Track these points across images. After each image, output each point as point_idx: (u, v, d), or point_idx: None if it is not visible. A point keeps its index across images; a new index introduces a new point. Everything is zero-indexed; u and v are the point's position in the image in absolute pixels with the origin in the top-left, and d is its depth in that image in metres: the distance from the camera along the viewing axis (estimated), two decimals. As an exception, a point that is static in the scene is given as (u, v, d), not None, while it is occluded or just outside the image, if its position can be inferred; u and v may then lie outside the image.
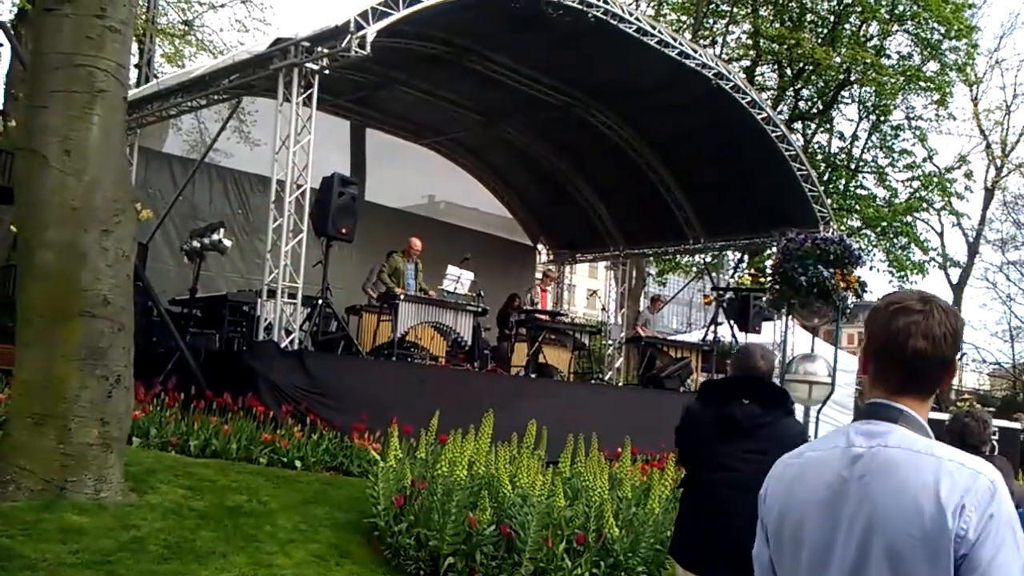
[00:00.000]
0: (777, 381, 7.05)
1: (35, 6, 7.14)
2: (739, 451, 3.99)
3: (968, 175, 26.82)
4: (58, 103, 5.87)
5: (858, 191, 25.24)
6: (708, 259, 22.11)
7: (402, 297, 11.05)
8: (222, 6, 21.71)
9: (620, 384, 16.49)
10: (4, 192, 8.95)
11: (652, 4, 25.13)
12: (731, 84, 13.17)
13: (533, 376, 12.46)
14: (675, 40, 12.61)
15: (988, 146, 30.33)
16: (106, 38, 5.93)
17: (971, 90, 29.43)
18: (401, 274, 12.29)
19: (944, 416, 6.16)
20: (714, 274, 22.65)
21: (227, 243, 11.09)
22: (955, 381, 33.07)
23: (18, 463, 5.59)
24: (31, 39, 7.98)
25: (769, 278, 11.91)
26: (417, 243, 12.52)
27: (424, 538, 5.96)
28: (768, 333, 14.58)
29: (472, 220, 18.74)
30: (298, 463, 7.85)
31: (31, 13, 11.41)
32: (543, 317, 13.48)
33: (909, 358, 1.73)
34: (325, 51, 9.91)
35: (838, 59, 23.33)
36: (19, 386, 5.88)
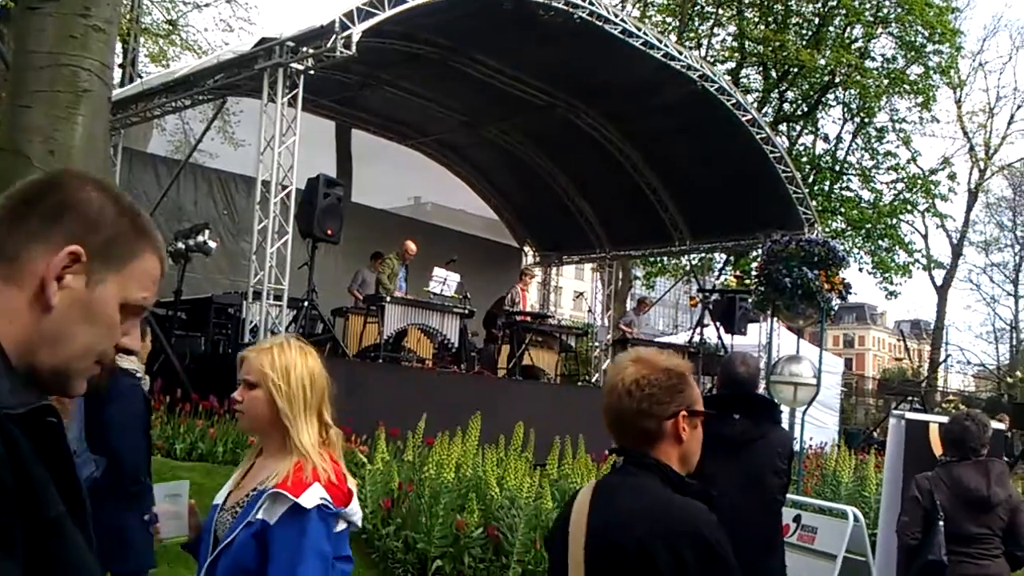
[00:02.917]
0: (762, 384, 7.06)
1: (17, 4, 7.08)
2: (730, 467, 3.96)
3: (952, 177, 27.04)
4: (42, 103, 5.80)
5: (843, 193, 25.37)
6: (694, 261, 22.17)
7: (388, 299, 11.02)
8: (207, 5, 21.63)
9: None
10: (-14, 193, 8.90)
11: (638, 6, 25.17)
12: (716, 86, 13.22)
13: (520, 378, 12.44)
14: (660, 42, 12.65)
15: (972, 148, 30.60)
16: (90, 37, 5.87)
17: (955, 93, 29.70)
18: (396, 276, 12.28)
19: (929, 418, 6.18)
20: (700, 276, 22.73)
21: (212, 244, 11.02)
22: (939, 382, 33.34)
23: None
24: (13, 38, 7.91)
25: (754, 280, 11.96)
26: (412, 247, 12.51)
27: (412, 541, 5.93)
28: (754, 335, 14.63)
29: (458, 221, 18.74)
30: (284, 466, 7.80)
31: (13, 12, 11.32)
32: (530, 319, 13.47)
33: None
34: (310, 51, 9.88)
35: (823, 61, 23.45)
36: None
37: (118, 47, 12.94)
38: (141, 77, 16.32)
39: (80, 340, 1.13)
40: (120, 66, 16.48)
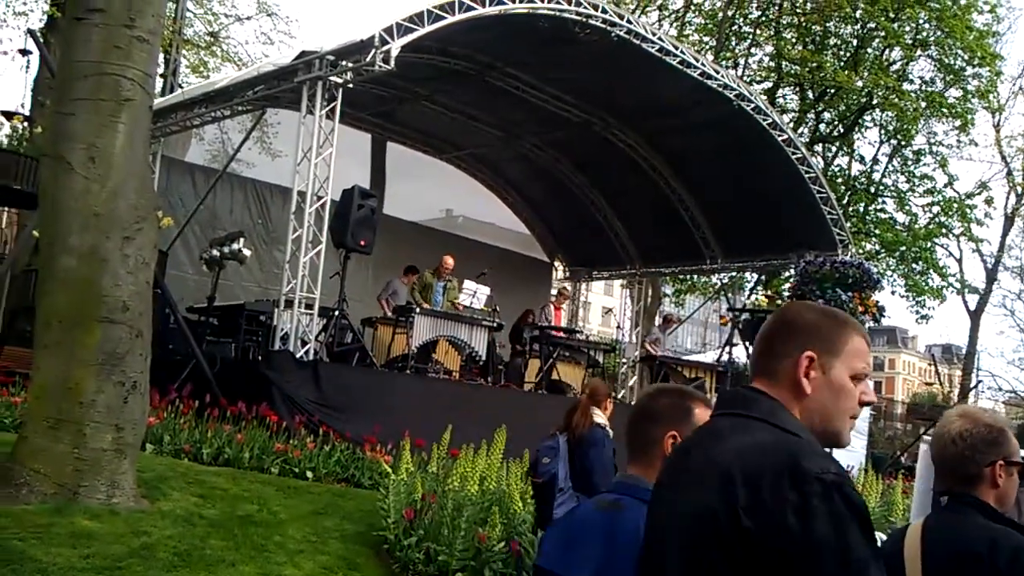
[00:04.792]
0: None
1: (65, 15, 7.24)
2: None
3: (988, 202, 26.72)
4: (85, 111, 5.93)
5: (877, 215, 25.15)
6: (725, 279, 22.06)
7: (418, 310, 11.10)
8: (248, 19, 21.99)
9: (633, 403, 16.43)
10: (28, 197, 9.05)
11: (675, 25, 25.20)
12: (752, 105, 13.18)
13: (546, 393, 12.44)
14: (697, 60, 12.64)
15: (1009, 173, 30.15)
16: (134, 48, 6.00)
17: (993, 117, 29.33)
18: (430, 290, 12.35)
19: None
20: (730, 295, 22.59)
21: (246, 253, 11.15)
22: (972, 409, 32.84)
23: (32, 466, 5.63)
24: (60, 47, 8.08)
25: (787, 300, 11.88)
26: (450, 261, 12.59)
27: (433, 553, 5.95)
28: (783, 356, 14.51)
29: (489, 235, 18.77)
30: (309, 474, 7.86)
31: (60, 22, 11.55)
32: (557, 333, 13.48)
33: None
34: (349, 65, 10.00)
35: (860, 83, 23.29)
36: (36, 390, 5.92)
37: (160, 57, 13.16)
38: (182, 87, 16.58)
39: (830, 408, 1.70)
40: (161, 76, 16.75)
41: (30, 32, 12.51)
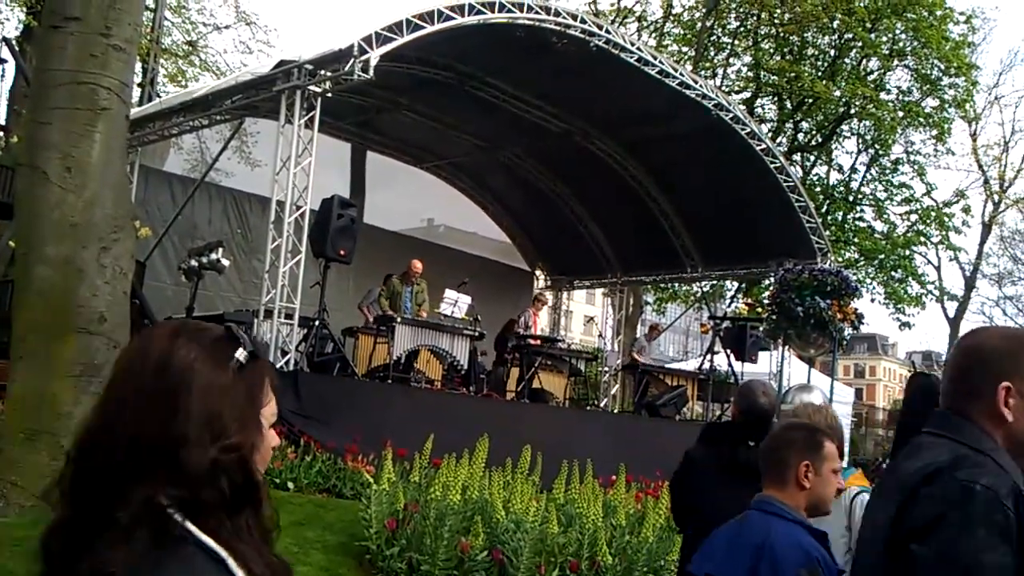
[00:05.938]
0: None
1: (41, 23, 7.19)
2: (743, 495, 3.92)
3: (966, 210, 26.97)
4: (60, 120, 5.89)
5: (856, 223, 25.34)
6: (705, 288, 22.15)
7: (399, 320, 11.06)
8: (226, 28, 21.90)
9: (615, 411, 16.45)
10: (3, 207, 8.97)
11: (654, 35, 25.33)
12: (731, 115, 13.25)
13: (528, 401, 12.42)
14: (676, 71, 12.70)
15: (986, 181, 30.48)
16: (110, 56, 5.96)
17: (970, 126, 29.64)
18: (399, 296, 12.30)
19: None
20: (711, 303, 22.69)
21: (225, 262, 11.08)
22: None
23: (10, 478, 5.56)
24: (36, 56, 8.02)
25: (767, 308, 11.94)
26: (418, 265, 12.53)
27: (416, 562, 5.91)
28: (764, 363, 14.58)
29: (470, 244, 18.79)
30: (290, 484, 7.80)
31: (36, 30, 11.48)
32: (539, 342, 13.47)
33: None
34: (328, 74, 9.98)
35: (838, 93, 23.48)
36: (12, 401, 5.86)
37: (137, 66, 13.10)
38: (160, 96, 16.50)
39: None
40: (139, 85, 16.66)
41: (5, 41, 12.44)
